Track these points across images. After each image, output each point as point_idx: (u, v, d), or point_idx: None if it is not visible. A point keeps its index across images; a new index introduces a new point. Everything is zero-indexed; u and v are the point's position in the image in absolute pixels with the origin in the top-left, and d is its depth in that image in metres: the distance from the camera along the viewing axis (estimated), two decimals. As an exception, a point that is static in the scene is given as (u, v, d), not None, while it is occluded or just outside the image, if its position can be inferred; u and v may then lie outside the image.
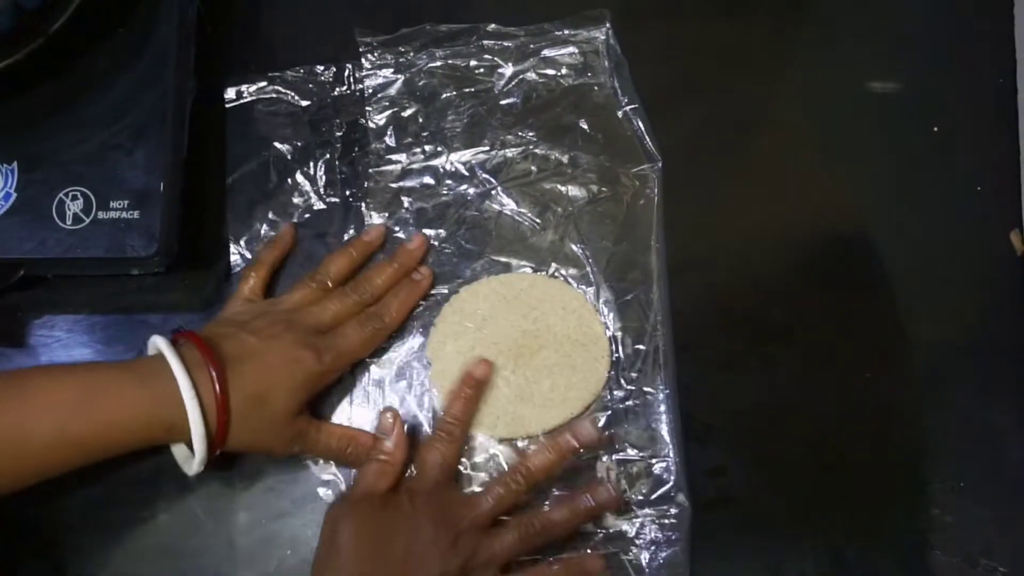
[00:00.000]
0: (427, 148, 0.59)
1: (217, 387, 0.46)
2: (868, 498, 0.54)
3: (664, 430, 0.53)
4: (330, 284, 0.55)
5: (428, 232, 0.57)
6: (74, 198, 0.52)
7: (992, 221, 0.58)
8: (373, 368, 0.55)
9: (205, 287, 0.56)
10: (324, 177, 0.58)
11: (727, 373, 0.56)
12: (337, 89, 0.60)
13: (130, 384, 0.46)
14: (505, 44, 0.60)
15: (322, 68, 0.60)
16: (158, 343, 0.48)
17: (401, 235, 0.57)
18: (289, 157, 0.59)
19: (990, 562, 0.52)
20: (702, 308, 0.56)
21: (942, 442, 0.54)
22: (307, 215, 0.58)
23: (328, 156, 0.59)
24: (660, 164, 0.58)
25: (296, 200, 0.58)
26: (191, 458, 0.48)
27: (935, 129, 0.60)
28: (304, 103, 0.60)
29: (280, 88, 0.60)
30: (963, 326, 0.57)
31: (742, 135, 0.60)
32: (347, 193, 0.58)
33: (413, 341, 0.56)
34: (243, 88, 0.60)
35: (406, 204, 0.58)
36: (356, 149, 0.59)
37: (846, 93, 0.61)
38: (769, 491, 0.54)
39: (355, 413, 0.54)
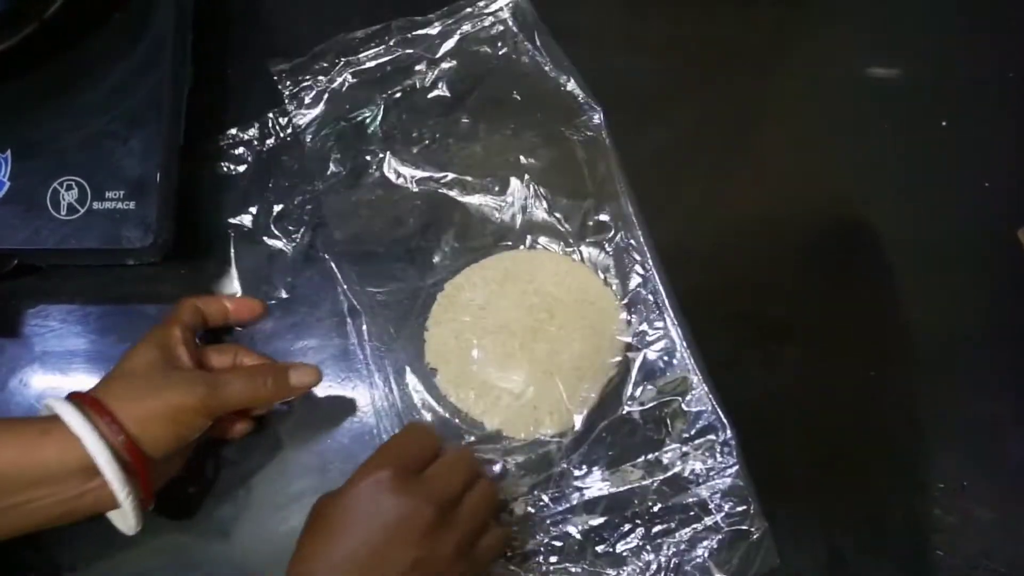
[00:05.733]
0: (368, 159, 0.57)
1: (108, 418, 0.43)
2: (869, 497, 0.53)
3: (686, 362, 0.53)
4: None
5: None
6: (68, 188, 0.51)
7: (999, 218, 0.58)
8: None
9: (200, 277, 0.56)
10: (291, 227, 0.57)
11: (729, 369, 0.55)
12: (266, 142, 0.58)
13: (31, 432, 0.43)
14: (419, 34, 0.59)
15: (236, 130, 0.58)
16: (51, 403, 0.44)
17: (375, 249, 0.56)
18: (251, 225, 0.57)
19: (991, 564, 0.52)
20: (703, 303, 0.56)
21: (945, 442, 0.54)
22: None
23: (283, 206, 0.57)
24: (601, 112, 0.57)
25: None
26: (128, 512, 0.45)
27: (943, 123, 0.60)
28: (240, 168, 0.58)
29: (218, 162, 0.58)
30: (968, 323, 0.57)
31: (745, 127, 0.60)
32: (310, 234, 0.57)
33: (407, 348, 0.54)
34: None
35: (364, 216, 0.56)
36: (310, 183, 0.57)
37: (853, 86, 0.61)
38: (769, 488, 0.53)
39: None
